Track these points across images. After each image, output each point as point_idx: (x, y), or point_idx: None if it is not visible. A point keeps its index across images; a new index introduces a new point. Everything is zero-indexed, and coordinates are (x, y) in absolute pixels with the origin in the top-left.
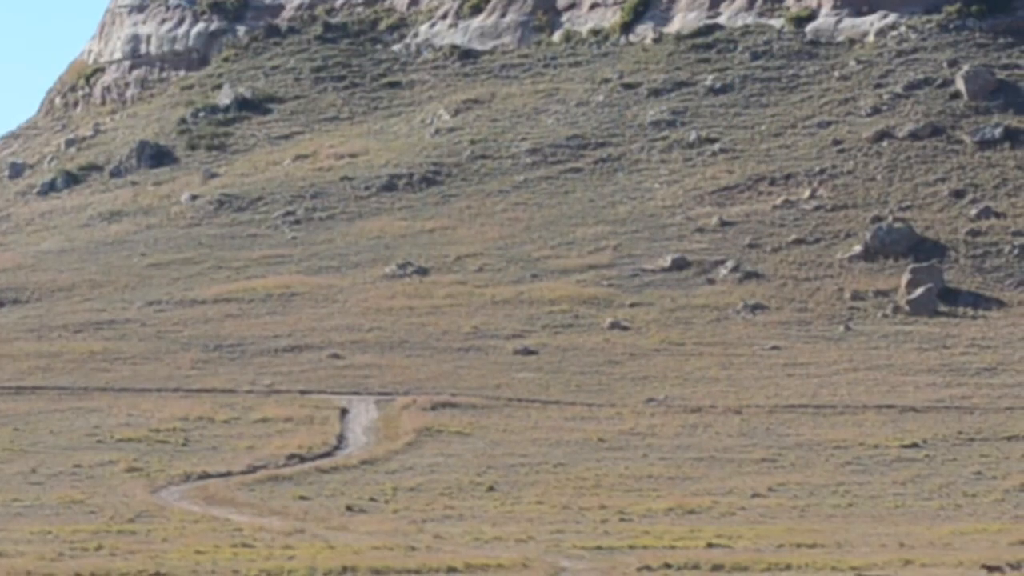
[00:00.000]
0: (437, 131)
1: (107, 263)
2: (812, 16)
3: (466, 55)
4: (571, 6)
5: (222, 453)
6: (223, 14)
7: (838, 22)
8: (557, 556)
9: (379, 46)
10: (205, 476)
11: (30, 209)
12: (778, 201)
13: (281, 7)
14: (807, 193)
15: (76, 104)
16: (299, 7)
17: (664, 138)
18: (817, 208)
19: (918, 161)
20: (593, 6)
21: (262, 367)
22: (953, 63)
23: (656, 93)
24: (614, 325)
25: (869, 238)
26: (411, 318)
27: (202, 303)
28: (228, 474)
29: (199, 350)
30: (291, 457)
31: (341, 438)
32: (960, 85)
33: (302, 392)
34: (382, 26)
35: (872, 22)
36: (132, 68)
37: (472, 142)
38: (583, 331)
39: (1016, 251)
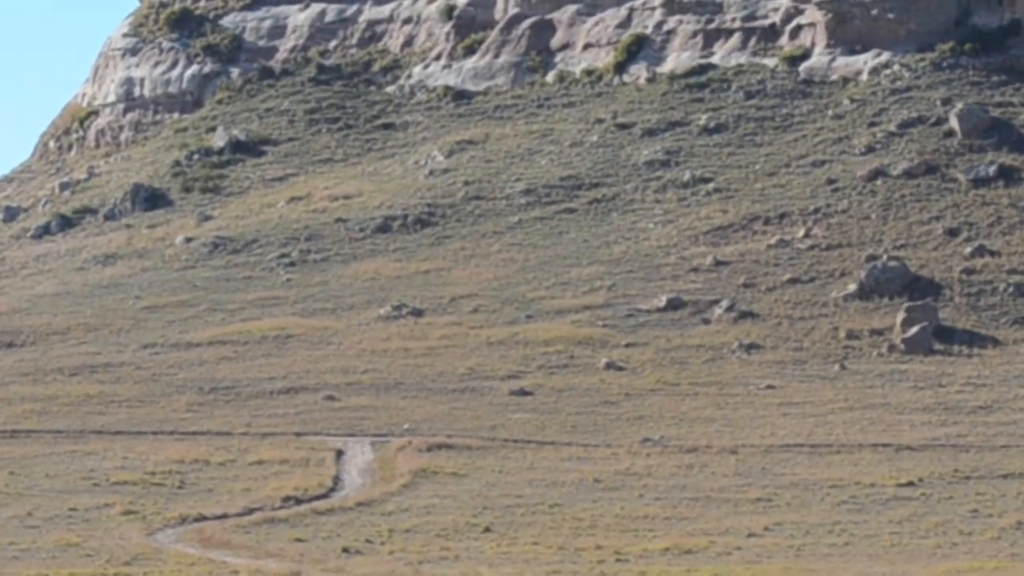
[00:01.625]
0: (431, 172)
1: (102, 306)
2: (805, 55)
3: (460, 96)
4: (564, 47)
5: (218, 495)
6: (217, 56)
7: (831, 61)
8: None
9: (373, 88)
10: (201, 519)
11: (24, 252)
12: (772, 240)
13: (275, 49)
14: (801, 232)
15: (70, 147)
16: (293, 49)
17: (658, 178)
18: (812, 247)
19: (912, 199)
20: (586, 46)
21: (257, 409)
22: (947, 101)
23: (650, 133)
24: (609, 365)
25: (864, 277)
26: (406, 360)
27: (197, 346)
28: (224, 516)
29: (194, 393)
30: (287, 499)
31: (337, 480)
32: (954, 123)
33: (297, 434)
34: (376, 68)
35: (865, 61)
36: (126, 111)
37: (466, 183)
38: (578, 372)
39: (1011, 289)
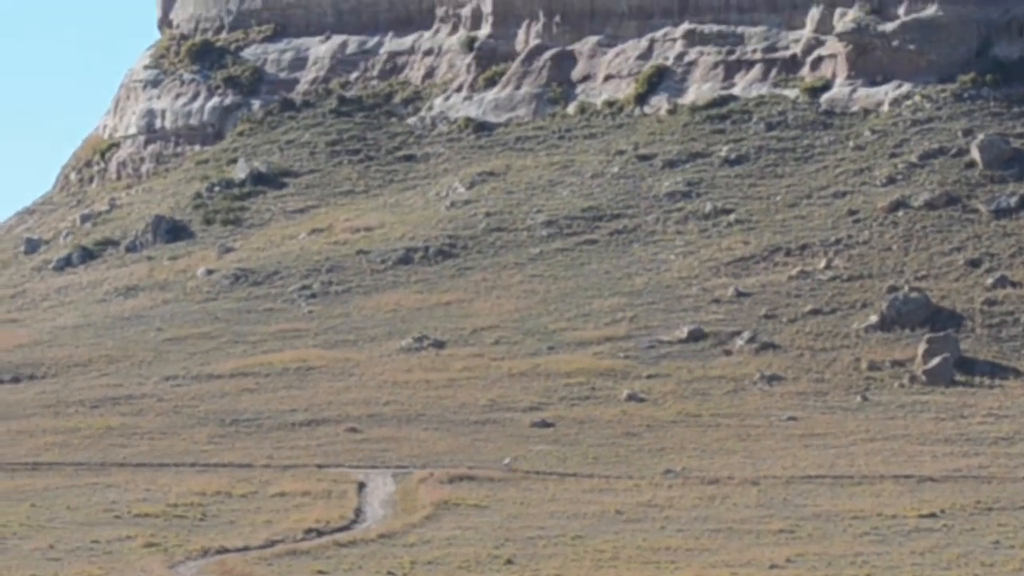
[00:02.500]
0: (452, 204)
1: (123, 338)
2: (827, 86)
3: (481, 127)
4: (585, 78)
5: (240, 528)
6: (238, 88)
7: (852, 92)
8: None
9: (394, 119)
10: (223, 551)
11: (46, 285)
12: (794, 272)
13: (296, 81)
14: (823, 263)
15: (91, 179)
16: (313, 81)
17: (679, 209)
18: (833, 278)
19: (934, 230)
20: (607, 78)
21: (279, 441)
22: (968, 132)
23: (671, 164)
24: (631, 397)
25: (885, 308)
26: (428, 391)
27: (219, 378)
28: (246, 549)
29: (216, 425)
30: (309, 531)
31: (359, 512)
32: (975, 154)
33: (319, 466)
34: (397, 99)
35: (887, 92)
36: (147, 143)
37: (487, 214)
38: (600, 403)
39: None
